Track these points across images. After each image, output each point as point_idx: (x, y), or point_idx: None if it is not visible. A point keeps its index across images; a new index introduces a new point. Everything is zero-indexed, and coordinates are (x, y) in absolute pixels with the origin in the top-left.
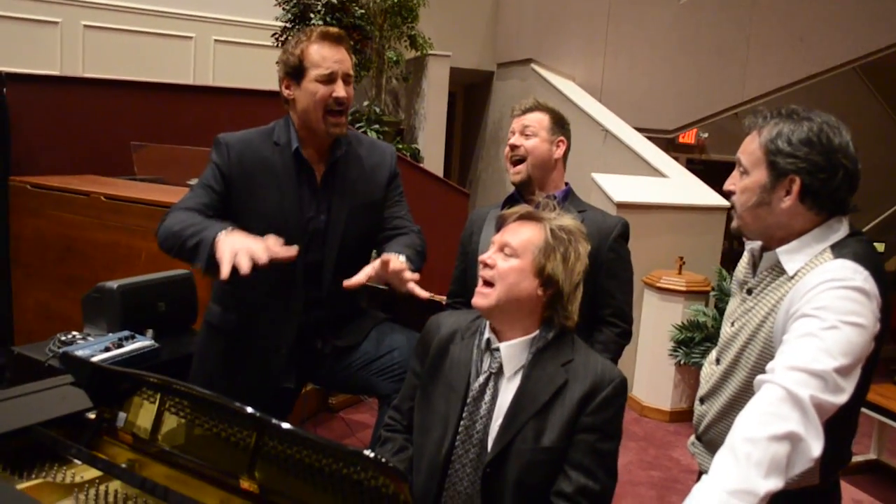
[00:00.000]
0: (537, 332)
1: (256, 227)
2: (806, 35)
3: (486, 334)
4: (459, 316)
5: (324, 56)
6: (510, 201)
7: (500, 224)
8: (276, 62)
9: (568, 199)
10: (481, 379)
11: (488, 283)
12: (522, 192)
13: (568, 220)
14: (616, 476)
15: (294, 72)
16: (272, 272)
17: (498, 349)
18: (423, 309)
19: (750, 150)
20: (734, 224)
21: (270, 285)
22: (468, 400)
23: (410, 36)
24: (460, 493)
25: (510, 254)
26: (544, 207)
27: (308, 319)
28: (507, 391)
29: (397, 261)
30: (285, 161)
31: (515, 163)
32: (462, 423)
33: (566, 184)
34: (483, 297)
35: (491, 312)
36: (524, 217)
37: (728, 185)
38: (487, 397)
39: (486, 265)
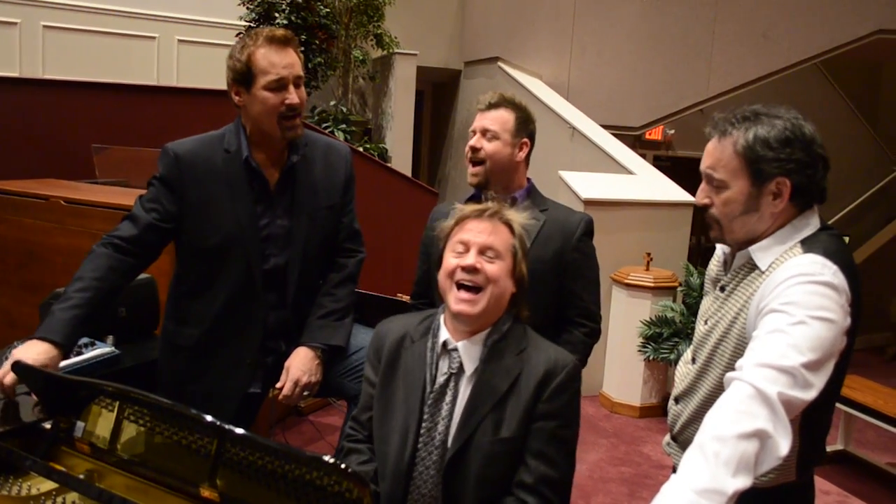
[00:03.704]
0: (491, 326)
1: (213, 238)
2: (769, 31)
3: (443, 336)
4: (406, 319)
5: (272, 62)
6: (473, 200)
7: (462, 220)
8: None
9: (530, 196)
10: (441, 380)
11: (474, 289)
12: (484, 193)
13: (522, 217)
14: (574, 462)
15: (242, 78)
16: (230, 283)
17: (457, 349)
18: (389, 309)
19: (724, 161)
20: (714, 234)
21: (229, 297)
22: (428, 402)
23: (377, 35)
24: (424, 496)
25: (494, 256)
26: (503, 206)
27: (272, 323)
28: (468, 389)
29: (286, 391)
30: (236, 169)
31: (474, 163)
32: (423, 425)
33: (528, 180)
34: (470, 305)
35: (477, 319)
36: (495, 216)
37: (702, 200)
38: (448, 398)
39: (472, 269)
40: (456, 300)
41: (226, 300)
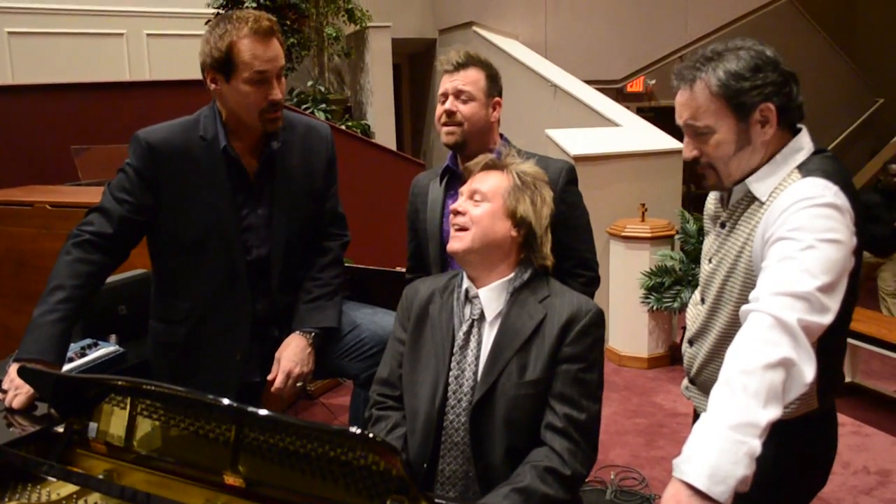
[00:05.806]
0: (513, 273)
1: (191, 232)
2: None
3: (465, 285)
4: (435, 279)
5: (256, 55)
6: (447, 172)
7: (466, 176)
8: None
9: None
10: (465, 327)
11: (462, 229)
12: (458, 156)
13: (530, 167)
14: (600, 403)
15: (220, 67)
16: (213, 277)
17: (477, 296)
18: (388, 282)
19: (703, 107)
20: (711, 182)
21: (213, 291)
22: (454, 350)
23: (347, 10)
24: (457, 444)
25: (480, 199)
26: (506, 155)
27: (260, 313)
28: (491, 335)
29: (278, 384)
30: (213, 158)
31: (449, 125)
32: (451, 373)
33: (501, 135)
34: (458, 241)
35: (467, 256)
36: (489, 166)
37: (690, 154)
38: (473, 344)
39: (457, 213)
40: (450, 239)
41: (210, 294)
